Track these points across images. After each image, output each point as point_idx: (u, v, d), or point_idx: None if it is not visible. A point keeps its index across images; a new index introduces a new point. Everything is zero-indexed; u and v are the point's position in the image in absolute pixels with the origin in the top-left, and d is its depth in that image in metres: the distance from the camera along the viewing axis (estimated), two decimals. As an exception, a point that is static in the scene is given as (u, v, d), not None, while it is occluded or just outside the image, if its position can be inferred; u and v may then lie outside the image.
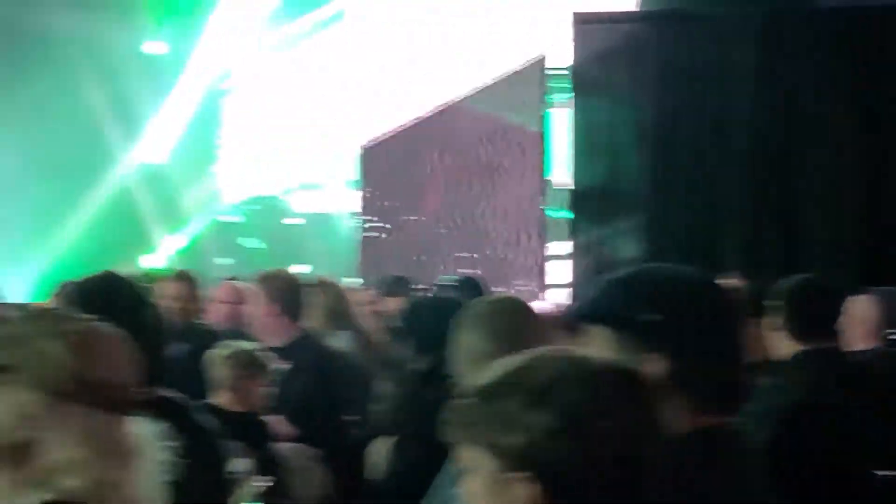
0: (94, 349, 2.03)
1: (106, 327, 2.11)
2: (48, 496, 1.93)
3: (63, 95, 15.97)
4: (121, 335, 2.12)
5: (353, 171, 14.83)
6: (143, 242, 16.32)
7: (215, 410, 4.76)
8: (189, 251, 16.15)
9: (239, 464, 4.14)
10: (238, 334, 6.22)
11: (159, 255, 16.39)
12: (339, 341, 6.79)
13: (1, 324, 2.07)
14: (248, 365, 5.39)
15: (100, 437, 1.98)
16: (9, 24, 16.53)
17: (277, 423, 5.56)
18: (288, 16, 16.02)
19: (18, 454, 1.96)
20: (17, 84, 15.77)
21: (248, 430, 4.93)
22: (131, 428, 2.04)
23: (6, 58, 16.34)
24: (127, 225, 16.30)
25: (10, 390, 1.97)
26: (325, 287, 7.34)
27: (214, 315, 7.22)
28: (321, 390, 5.91)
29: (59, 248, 15.67)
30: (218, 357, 5.38)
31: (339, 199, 15.55)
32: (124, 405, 2.04)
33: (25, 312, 2.12)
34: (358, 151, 14.60)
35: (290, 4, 15.96)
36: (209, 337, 6.12)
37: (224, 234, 16.44)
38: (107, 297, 3.37)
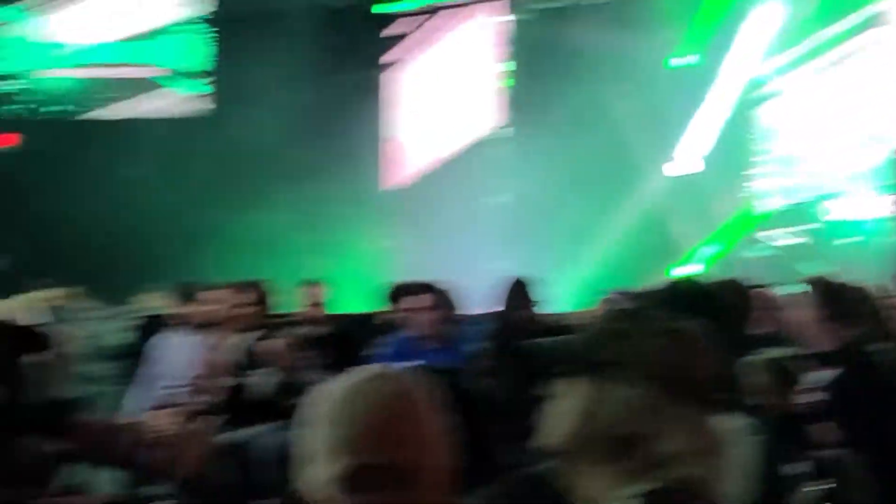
0: (691, 347, 2.17)
1: (696, 327, 2.25)
2: (655, 485, 2.08)
3: (597, 109, 16.40)
4: (707, 335, 2.26)
5: (886, 175, 14.48)
6: (674, 252, 16.44)
7: (759, 413, 4.83)
8: (722, 261, 16.15)
9: (793, 467, 4.20)
10: (778, 340, 6.26)
11: (693, 265, 16.46)
12: (880, 348, 6.67)
13: (603, 322, 2.25)
14: (787, 371, 5.45)
15: (701, 431, 2.11)
16: (550, 42, 17.20)
17: (825, 429, 5.55)
18: (824, 20, 15.75)
19: (625, 445, 2.12)
20: (558, 100, 16.32)
21: (792, 434, 4.97)
22: (722, 423, 2.17)
23: (548, 75, 17.00)
24: (659, 235, 16.50)
25: (617, 385, 2.12)
26: (869, 293, 7.23)
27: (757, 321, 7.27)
28: (870, 395, 5.83)
29: (596, 257, 16.06)
30: (757, 363, 5.47)
31: (871, 206, 15.13)
32: (716, 401, 2.17)
33: (623, 312, 2.29)
34: (892, 155, 14.25)
35: (826, 8, 15.69)
36: (750, 343, 6.17)
37: (774, 254, 16.23)
38: (693, 300, 3.57)
